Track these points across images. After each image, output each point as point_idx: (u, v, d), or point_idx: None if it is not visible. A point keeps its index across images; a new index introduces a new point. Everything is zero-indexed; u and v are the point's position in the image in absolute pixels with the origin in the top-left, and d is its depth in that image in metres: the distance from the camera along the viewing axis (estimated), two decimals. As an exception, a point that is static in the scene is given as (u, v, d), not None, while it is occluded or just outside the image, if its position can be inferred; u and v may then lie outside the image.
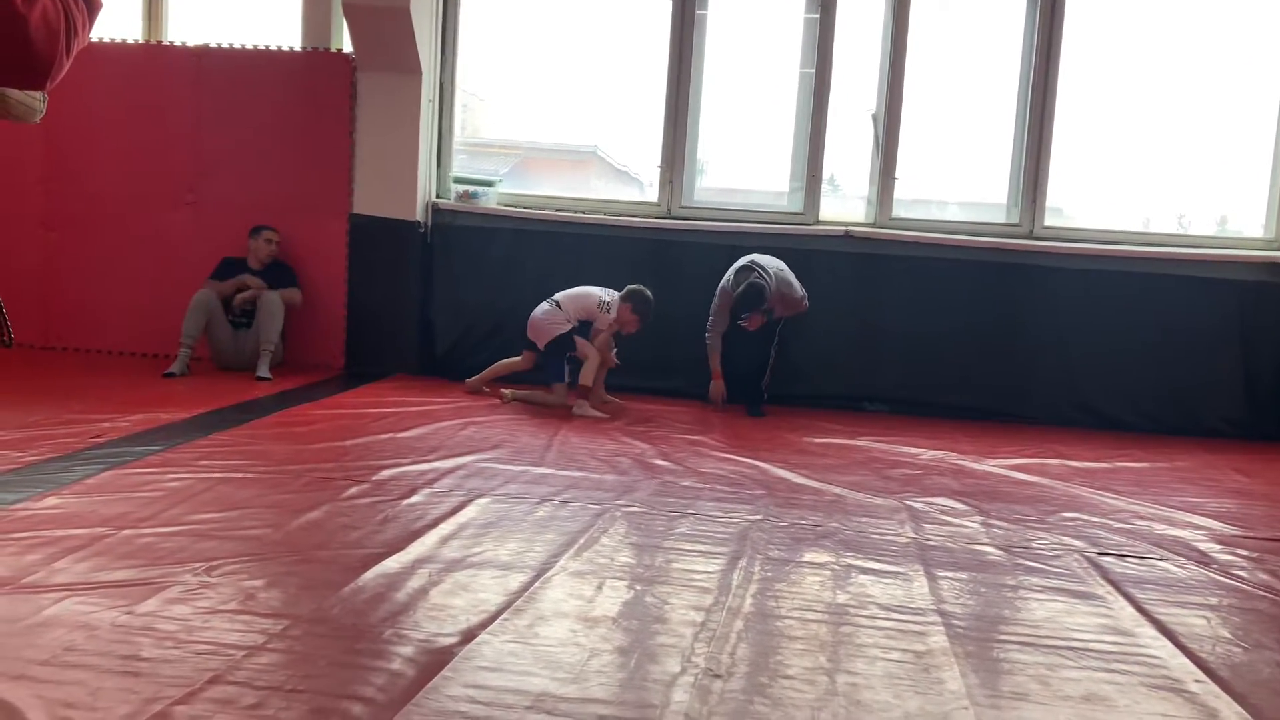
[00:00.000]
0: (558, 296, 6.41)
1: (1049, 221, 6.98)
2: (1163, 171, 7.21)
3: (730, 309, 6.37)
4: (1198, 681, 2.73)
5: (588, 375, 6.24)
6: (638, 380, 6.82)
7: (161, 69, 7.20)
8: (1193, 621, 3.19)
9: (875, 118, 7.07)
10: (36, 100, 2.07)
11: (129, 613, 2.75)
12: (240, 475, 4.22)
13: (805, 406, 6.74)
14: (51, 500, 3.72)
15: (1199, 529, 4.33)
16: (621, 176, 8.08)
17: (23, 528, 3.39)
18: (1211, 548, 4.05)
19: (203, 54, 7.18)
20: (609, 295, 6.40)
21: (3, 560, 3.08)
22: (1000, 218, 7.08)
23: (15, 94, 2.02)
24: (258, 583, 3.04)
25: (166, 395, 5.91)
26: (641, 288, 6.32)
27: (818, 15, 7.00)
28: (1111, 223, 7.03)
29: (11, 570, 3.00)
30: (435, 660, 2.57)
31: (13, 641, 2.53)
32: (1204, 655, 2.91)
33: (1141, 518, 4.46)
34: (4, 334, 1.60)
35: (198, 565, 3.14)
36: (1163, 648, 2.96)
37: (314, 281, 7.08)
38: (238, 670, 2.45)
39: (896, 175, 7.01)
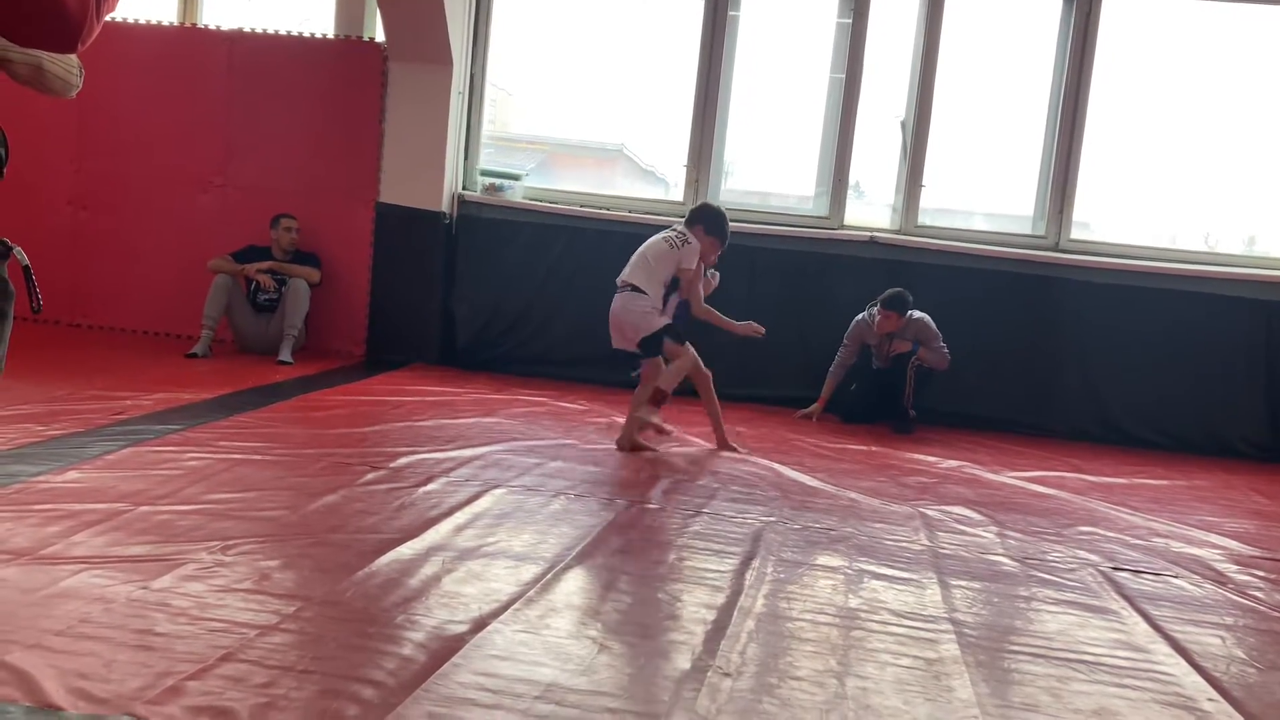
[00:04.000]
0: (632, 279, 5.17)
1: (1075, 235, 6.94)
2: (1191, 189, 7.16)
3: (857, 334, 6.54)
4: (1211, 700, 2.71)
5: (671, 379, 5.11)
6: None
7: (195, 52, 7.25)
8: (1207, 640, 3.17)
9: (904, 124, 7.05)
10: (73, 74, 2.09)
11: (144, 588, 2.77)
12: (259, 457, 4.25)
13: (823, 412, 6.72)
14: (72, 474, 3.76)
15: (1216, 548, 4.30)
16: (647, 176, 8.09)
17: (43, 500, 3.42)
18: (1228, 567, 4.02)
19: (236, 38, 7.22)
20: (673, 234, 5.21)
21: (23, 531, 3.11)
22: (1026, 229, 7.05)
23: (53, 68, 2.04)
24: (272, 563, 3.06)
25: (188, 376, 5.95)
26: (707, 203, 5.53)
27: (850, 20, 6.98)
28: (1138, 238, 6.98)
29: (31, 541, 3.03)
30: (446, 647, 2.58)
31: (30, 611, 2.55)
32: (1218, 675, 2.89)
33: (1158, 535, 4.44)
34: (33, 299, 1.61)
35: (213, 544, 3.16)
36: (1176, 665, 2.94)
37: (338, 269, 7.11)
38: (250, 649, 2.47)
39: (924, 183, 6.99)
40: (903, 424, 6.40)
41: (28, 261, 1.58)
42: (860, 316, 6.54)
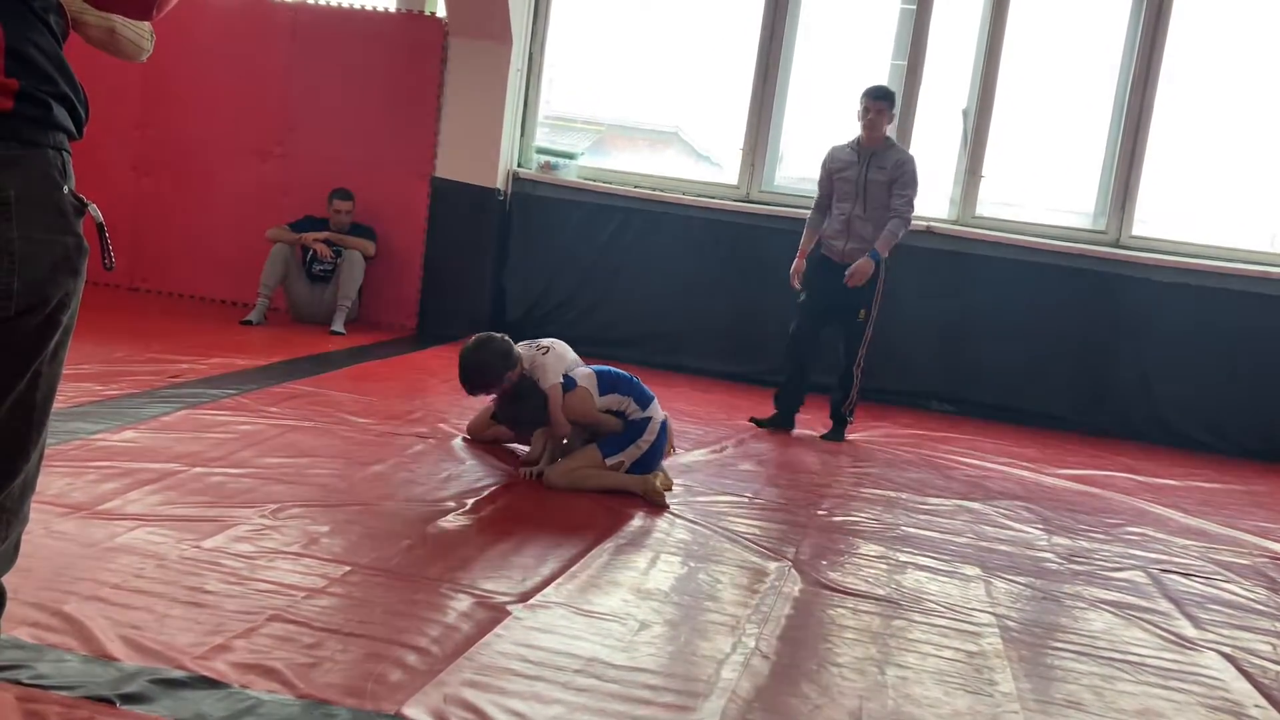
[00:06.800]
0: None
1: (1136, 231, 6.81)
2: (1258, 188, 7.00)
3: (826, 167, 5.49)
4: (1259, 707, 2.67)
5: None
6: (718, 364, 6.83)
7: (259, 23, 7.32)
8: (1257, 647, 3.12)
9: (966, 114, 6.96)
10: (144, 39, 2.12)
11: (196, 546, 2.82)
12: (310, 424, 4.30)
13: (870, 400, 6.66)
14: (129, 434, 3.83)
15: (1268, 554, 4.22)
16: (702, 161, 8.05)
17: (101, 457, 3.49)
18: (1281, 574, 3.94)
19: (299, 9, 7.28)
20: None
21: (81, 486, 3.18)
22: (1086, 224, 6.93)
23: (125, 32, 2.07)
24: (321, 528, 3.10)
25: (243, 342, 6.04)
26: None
27: (914, 7, 6.89)
28: (1200, 237, 6.83)
29: (88, 497, 3.10)
30: (490, 617, 2.60)
31: (86, 564, 2.61)
32: (1266, 682, 2.84)
33: (1210, 538, 4.36)
34: (106, 257, 1.64)
35: (264, 507, 3.21)
36: (1224, 670, 2.90)
37: (392, 242, 7.16)
38: (297, 610, 2.51)
39: (983, 174, 6.90)
40: (836, 430, 5.52)
41: (102, 219, 1.60)
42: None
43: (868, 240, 5.33)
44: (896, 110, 5.52)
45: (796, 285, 5.55)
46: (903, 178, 5.34)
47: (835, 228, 5.45)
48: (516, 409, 4.02)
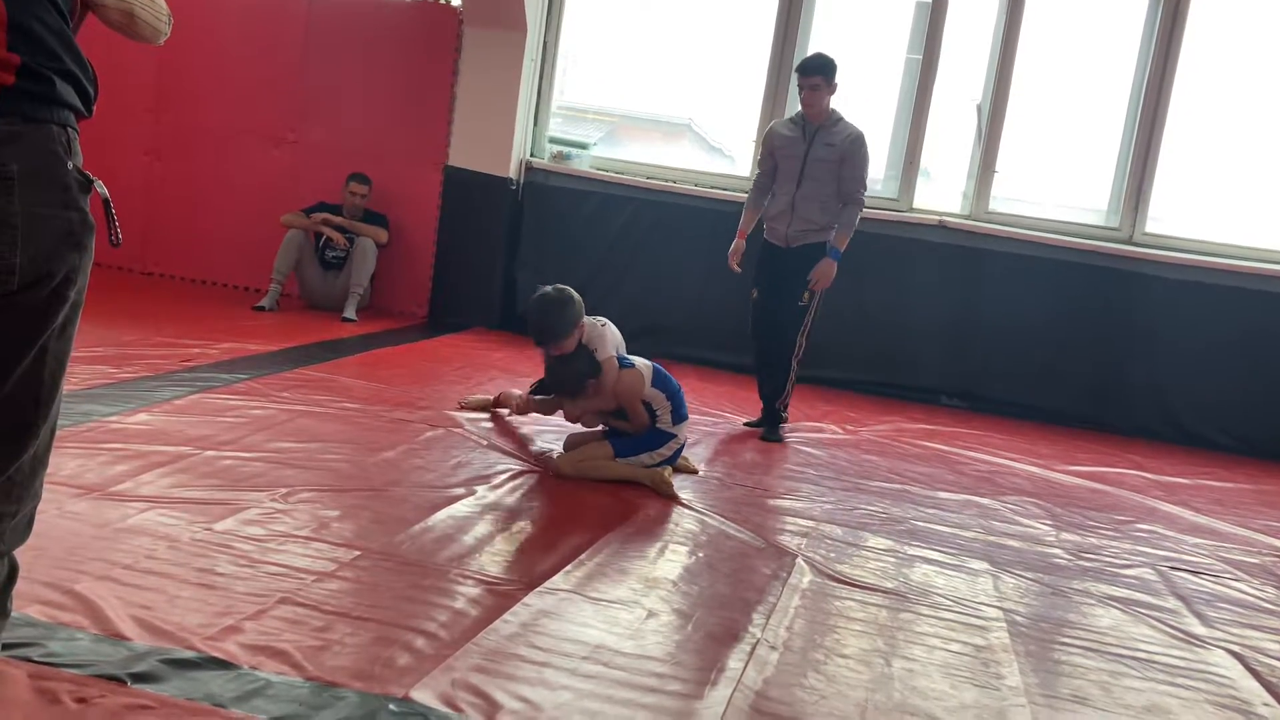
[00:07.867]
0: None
1: (1150, 229, 6.78)
2: (1272, 187, 6.96)
3: (768, 146, 5.23)
4: (1266, 705, 2.67)
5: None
6: (728, 356, 6.83)
7: (274, 9, 7.32)
8: (1266, 645, 3.11)
9: (980, 109, 6.93)
10: (162, 22, 2.12)
11: (208, 529, 2.84)
12: (321, 410, 4.32)
13: (880, 395, 6.66)
14: (142, 416, 3.85)
15: (1278, 553, 4.20)
16: (714, 152, 8.04)
17: (114, 439, 3.51)
18: (1291, 574, 3.93)
19: (315, -3, 7.29)
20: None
21: (93, 468, 3.20)
22: (1100, 221, 6.91)
23: (144, 14, 2.07)
24: (332, 513, 3.12)
25: (255, 327, 6.06)
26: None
27: (929, 1, 6.87)
28: (1214, 235, 6.80)
29: (101, 478, 3.12)
30: (498, 603, 2.61)
31: (99, 544, 2.63)
32: (1275, 680, 2.84)
33: (1219, 536, 4.35)
34: (112, 233, 1.64)
35: (275, 491, 3.23)
36: (1232, 668, 2.89)
37: (405, 230, 7.17)
38: (307, 593, 2.52)
39: (997, 169, 6.87)
40: (772, 429, 5.19)
41: (107, 194, 1.61)
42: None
43: (813, 222, 5.06)
44: (838, 80, 5.10)
45: (734, 267, 5.30)
46: (855, 157, 5.03)
47: (779, 208, 5.13)
48: (562, 369, 4.05)
